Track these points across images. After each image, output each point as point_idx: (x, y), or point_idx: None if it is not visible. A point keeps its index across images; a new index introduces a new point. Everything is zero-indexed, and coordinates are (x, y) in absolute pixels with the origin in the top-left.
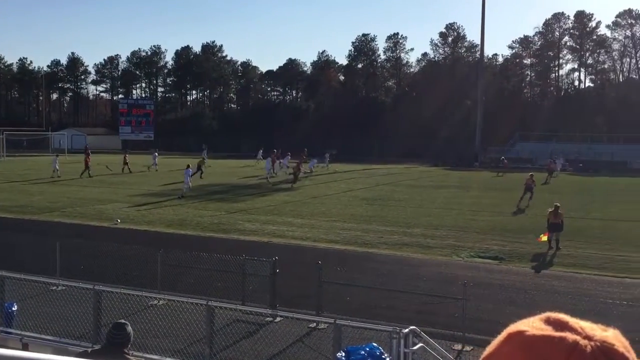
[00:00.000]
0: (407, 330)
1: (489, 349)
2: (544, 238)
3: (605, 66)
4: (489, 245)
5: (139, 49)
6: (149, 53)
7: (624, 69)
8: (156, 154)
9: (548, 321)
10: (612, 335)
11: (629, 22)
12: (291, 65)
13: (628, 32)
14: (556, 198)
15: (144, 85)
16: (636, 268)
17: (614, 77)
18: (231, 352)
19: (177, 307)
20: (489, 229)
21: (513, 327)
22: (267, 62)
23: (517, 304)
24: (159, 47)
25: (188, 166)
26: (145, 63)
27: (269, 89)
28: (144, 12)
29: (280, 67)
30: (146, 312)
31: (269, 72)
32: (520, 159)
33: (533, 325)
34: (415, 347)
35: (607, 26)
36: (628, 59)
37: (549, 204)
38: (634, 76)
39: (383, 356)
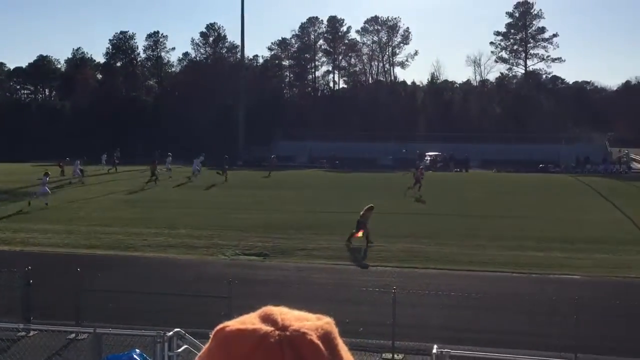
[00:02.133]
0: (171, 333)
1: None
2: (360, 234)
3: (357, 69)
4: (254, 243)
5: None
6: None
7: (373, 72)
8: None
9: (260, 315)
10: (314, 325)
11: (376, 28)
12: (43, 62)
13: (375, 38)
14: (318, 194)
15: None
16: (388, 257)
17: (365, 79)
18: None
19: None
20: (253, 226)
21: (222, 324)
22: (16, 58)
23: (281, 298)
24: None
25: None
26: None
27: (18, 87)
28: None
29: (30, 64)
30: None
31: (18, 69)
32: (282, 158)
33: (244, 320)
34: (179, 350)
35: (357, 31)
36: (376, 62)
37: (324, 204)
38: (382, 79)
39: None
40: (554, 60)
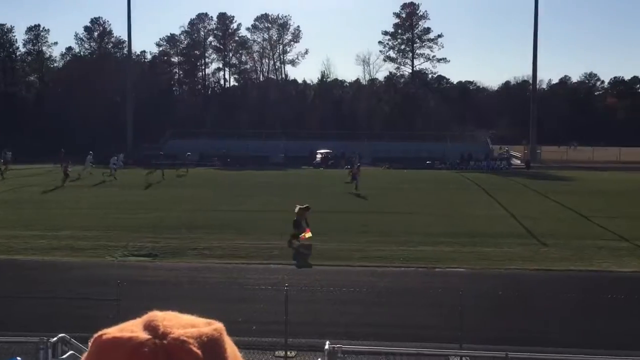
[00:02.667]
0: (55, 338)
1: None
2: (308, 235)
3: (247, 66)
4: (143, 243)
5: None
6: None
7: (264, 70)
8: None
9: (143, 322)
10: (198, 332)
11: (266, 25)
12: None
13: (266, 35)
14: (210, 193)
15: None
16: (282, 254)
17: (256, 77)
18: None
19: None
20: (143, 226)
21: (101, 331)
22: None
23: (171, 299)
24: None
25: None
26: None
27: None
28: None
29: None
30: None
31: None
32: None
33: (123, 327)
34: (65, 356)
35: (248, 29)
36: (267, 60)
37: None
38: (273, 76)
39: None
40: (439, 60)
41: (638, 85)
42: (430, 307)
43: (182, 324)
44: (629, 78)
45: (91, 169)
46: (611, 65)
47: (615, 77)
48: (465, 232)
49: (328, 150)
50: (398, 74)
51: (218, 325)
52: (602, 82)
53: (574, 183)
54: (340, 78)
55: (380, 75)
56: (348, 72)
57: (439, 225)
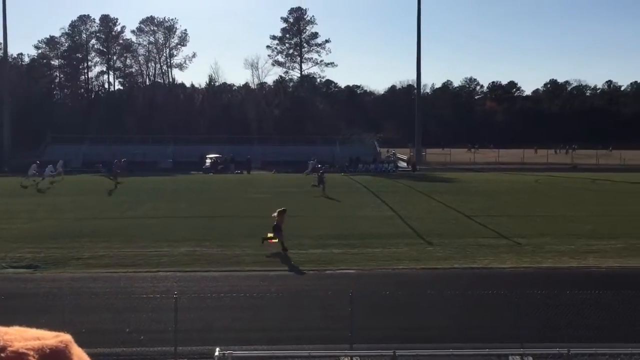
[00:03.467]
0: None
1: None
2: (276, 240)
3: (133, 70)
4: (23, 254)
5: None
6: None
7: (150, 73)
8: None
9: None
10: (40, 345)
11: (152, 28)
12: None
13: (151, 38)
14: (93, 200)
15: None
16: (170, 262)
17: (142, 81)
18: None
19: None
20: (23, 237)
21: None
22: None
23: (52, 311)
24: None
25: None
26: None
27: None
28: None
29: None
30: None
31: None
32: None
33: None
34: None
35: (132, 31)
36: (153, 64)
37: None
38: (160, 80)
39: None
40: (327, 64)
41: (514, 90)
42: (321, 309)
43: (25, 337)
44: (506, 83)
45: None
46: (490, 70)
47: (493, 82)
48: (354, 234)
49: (218, 155)
50: (287, 78)
51: (65, 337)
52: (482, 86)
53: (457, 184)
54: (229, 82)
55: (269, 79)
56: (237, 76)
57: (328, 228)
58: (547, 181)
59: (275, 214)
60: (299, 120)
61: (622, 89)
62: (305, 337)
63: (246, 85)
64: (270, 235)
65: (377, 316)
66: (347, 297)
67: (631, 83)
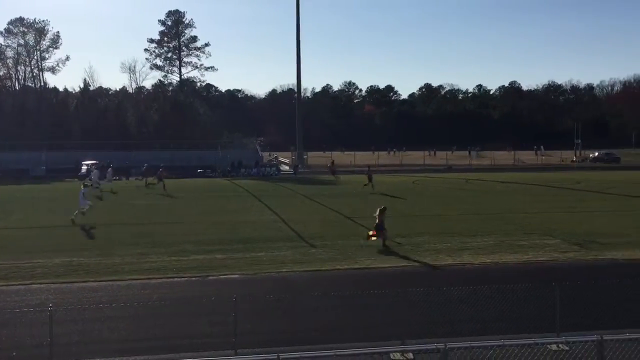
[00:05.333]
0: None
1: None
2: (375, 237)
3: (1, 73)
4: None
5: None
6: None
7: (20, 77)
8: None
9: None
10: None
11: (22, 30)
12: None
13: (21, 40)
14: None
15: None
16: (44, 273)
17: (11, 85)
18: None
19: None
20: None
21: None
22: None
23: None
24: None
25: None
26: None
27: None
28: None
29: None
30: None
31: None
32: None
33: None
34: None
35: (0, 33)
36: (23, 67)
37: None
38: (30, 84)
39: None
40: (207, 68)
41: (392, 94)
42: (205, 316)
43: None
44: (384, 87)
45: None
46: (368, 74)
47: (371, 86)
48: (237, 238)
49: (95, 161)
50: (166, 82)
51: None
52: (361, 90)
53: (338, 186)
54: (105, 86)
55: (148, 84)
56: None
57: (211, 233)
58: (424, 182)
59: (377, 214)
60: (179, 125)
61: (492, 92)
62: (189, 345)
63: (123, 89)
64: (371, 233)
65: (262, 320)
66: (231, 303)
67: (499, 87)
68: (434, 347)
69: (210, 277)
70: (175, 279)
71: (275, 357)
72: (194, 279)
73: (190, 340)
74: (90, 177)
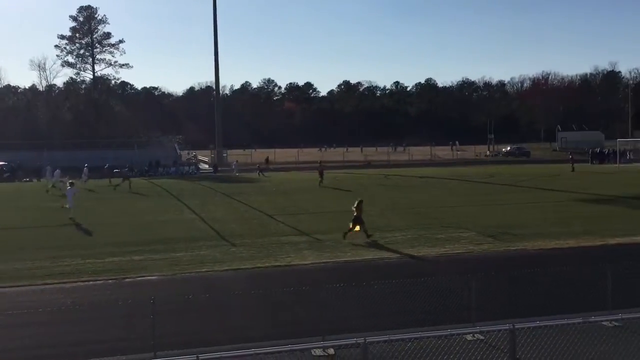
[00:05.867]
0: None
1: None
2: (357, 229)
3: None
4: None
5: None
6: None
7: None
8: None
9: None
10: None
11: None
12: None
13: None
14: None
15: None
16: None
17: None
18: None
19: None
20: None
21: None
22: None
23: None
24: None
25: None
26: None
27: None
28: None
29: None
30: None
31: None
32: None
33: None
34: None
35: None
36: None
37: None
38: None
39: None
40: (121, 65)
41: (311, 91)
42: (122, 319)
43: None
44: (303, 84)
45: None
46: (287, 71)
47: (291, 83)
48: (156, 239)
49: (2, 163)
50: (79, 79)
51: None
52: (280, 87)
53: (258, 184)
54: (13, 84)
55: (59, 81)
56: (22, 78)
57: (128, 234)
58: (344, 178)
59: (354, 207)
60: (93, 124)
61: (409, 89)
62: (107, 349)
63: (33, 87)
64: (351, 226)
65: (181, 321)
66: (149, 305)
67: (416, 84)
68: (354, 341)
69: (128, 279)
70: (91, 282)
71: (195, 358)
72: (110, 281)
73: (107, 345)
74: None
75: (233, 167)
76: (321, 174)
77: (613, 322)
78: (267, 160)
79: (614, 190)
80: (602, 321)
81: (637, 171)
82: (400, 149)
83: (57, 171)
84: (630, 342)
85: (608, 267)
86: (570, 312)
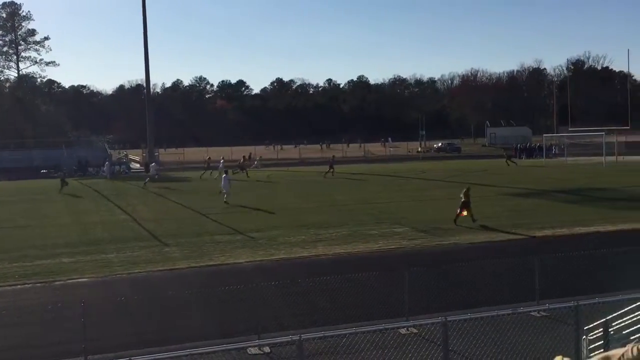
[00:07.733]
0: None
1: None
2: (465, 213)
3: None
4: None
5: None
6: None
7: None
8: None
9: None
10: None
11: None
12: None
13: None
14: None
15: None
16: None
17: None
18: None
19: None
20: None
21: None
22: None
23: None
24: None
25: None
26: None
27: None
28: None
29: None
30: None
31: None
32: None
33: None
34: None
35: None
36: None
37: None
38: None
39: None
40: (47, 63)
41: (244, 88)
42: (53, 323)
43: None
44: (236, 81)
45: None
46: (219, 69)
47: (223, 81)
48: (86, 240)
49: None
50: (2, 78)
51: None
52: (212, 85)
53: (191, 183)
54: None
55: None
56: None
57: (57, 236)
58: (278, 175)
59: (462, 194)
60: (18, 124)
61: (341, 86)
62: (38, 355)
63: None
64: (459, 211)
65: (112, 324)
66: (79, 308)
67: (348, 81)
68: (290, 339)
69: (57, 282)
70: (19, 286)
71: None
72: (39, 285)
73: (35, 351)
74: None
75: (154, 171)
76: (331, 166)
77: (541, 312)
78: (249, 157)
79: (542, 185)
80: (530, 312)
81: (563, 165)
82: (335, 146)
83: None
84: (554, 330)
85: (536, 259)
86: (501, 304)
